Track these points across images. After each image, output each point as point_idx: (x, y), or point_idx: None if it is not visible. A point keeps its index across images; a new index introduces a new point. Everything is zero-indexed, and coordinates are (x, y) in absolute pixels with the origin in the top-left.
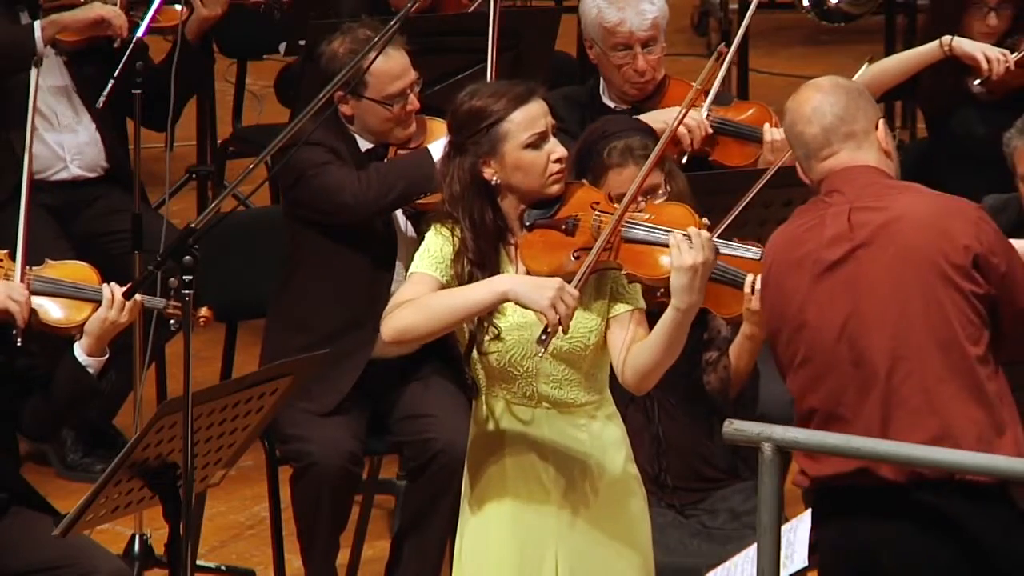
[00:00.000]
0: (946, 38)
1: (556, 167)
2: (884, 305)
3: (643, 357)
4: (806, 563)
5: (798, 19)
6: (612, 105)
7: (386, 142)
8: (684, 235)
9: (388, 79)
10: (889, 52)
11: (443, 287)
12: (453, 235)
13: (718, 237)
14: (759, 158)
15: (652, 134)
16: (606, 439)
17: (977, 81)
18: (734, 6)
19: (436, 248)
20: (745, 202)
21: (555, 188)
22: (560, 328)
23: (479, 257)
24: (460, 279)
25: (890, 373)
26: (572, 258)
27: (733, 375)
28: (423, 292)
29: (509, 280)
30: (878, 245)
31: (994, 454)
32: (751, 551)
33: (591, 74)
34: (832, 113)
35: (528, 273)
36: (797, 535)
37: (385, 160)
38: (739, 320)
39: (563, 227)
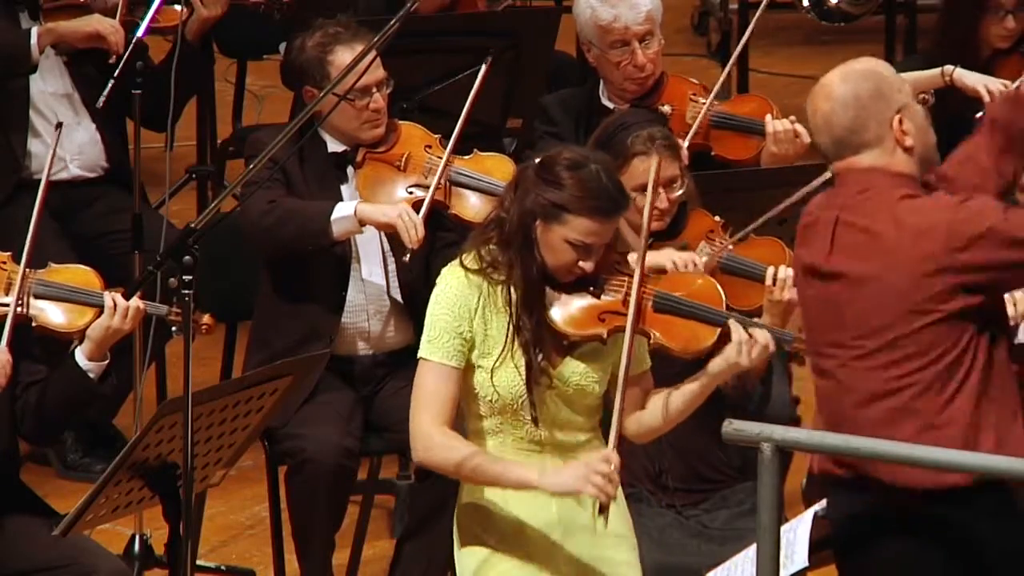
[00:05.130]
0: (948, 68)
1: (578, 272)
2: (856, 334)
3: (658, 420)
4: (806, 563)
5: (798, 19)
6: (611, 106)
7: (356, 143)
8: (749, 335)
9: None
10: (889, 52)
11: (459, 374)
12: (485, 277)
13: (737, 240)
14: (762, 150)
15: (668, 123)
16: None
17: (980, 114)
18: (734, 6)
19: (454, 309)
20: (773, 213)
21: (565, 279)
22: (608, 499)
23: (528, 301)
24: (501, 314)
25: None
26: (599, 320)
27: (750, 370)
28: (444, 394)
29: (538, 473)
30: (849, 278)
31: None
32: (751, 551)
33: (591, 74)
34: (841, 126)
35: (549, 325)
36: (797, 535)
37: (358, 167)
38: (757, 313)
39: (590, 289)
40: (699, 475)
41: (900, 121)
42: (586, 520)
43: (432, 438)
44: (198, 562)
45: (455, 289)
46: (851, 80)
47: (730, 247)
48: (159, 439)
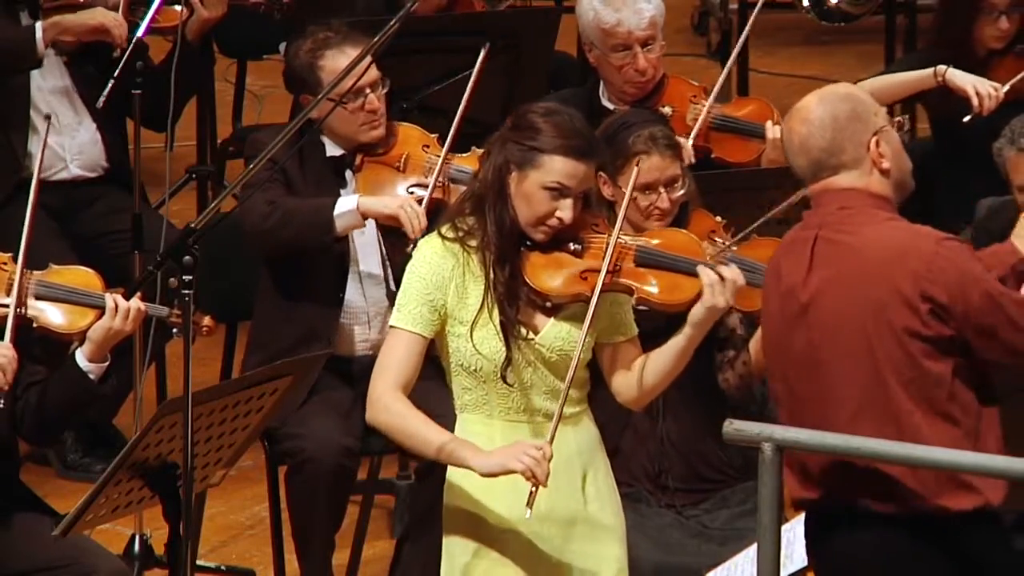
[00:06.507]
0: (940, 68)
1: (555, 223)
2: (834, 352)
3: (650, 379)
4: (805, 563)
5: (798, 19)
6: (611, 107)
7: (355, 146)
8: (718, 275)
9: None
10: (889, 52)
11: (425, 342)
12: (462, 244)
13: (739, 241)
14: (762, 154)
15: (669, 123)
16: (591, 435)
17: (967, 117)
18: (734, 6)
19: (426, 277)
20: (771, 215)
21: (539, 237)
22: (536, 481)
23: (500, 254)
24: (481, 278)
25: (842, 415)
26: (581, 278)
27: (754, 369)
28: (407, 360)
29: (472, 453)
30: (830, 293)
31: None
32: (751, 551)
33: (591, 74)
34: (818, 148)
35: (531, 287)
36: (797, 535)
37: (357, 169)
38: (758, 314)
39: (571, 248)
40: (699, 475)
41: (877, 143)
42: (571, 512)
43: (381, 400)
44: (198, 562)
45: (429, 258)
46: (828, 102)
47: (732, 248)
48: (159, 439)
